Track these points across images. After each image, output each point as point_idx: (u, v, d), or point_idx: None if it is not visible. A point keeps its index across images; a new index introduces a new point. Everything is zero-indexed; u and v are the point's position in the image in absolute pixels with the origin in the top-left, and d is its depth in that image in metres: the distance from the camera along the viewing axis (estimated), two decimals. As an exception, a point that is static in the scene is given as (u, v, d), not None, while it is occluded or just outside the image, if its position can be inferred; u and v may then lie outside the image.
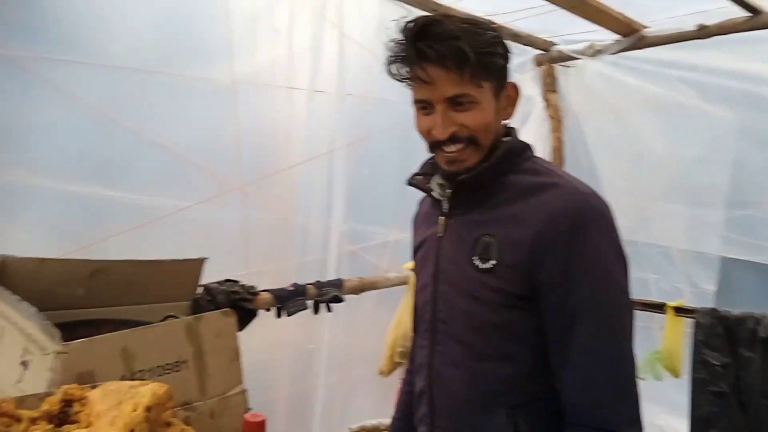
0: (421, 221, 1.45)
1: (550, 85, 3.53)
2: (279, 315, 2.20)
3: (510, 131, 1.31)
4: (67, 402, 0.92)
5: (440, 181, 1.31)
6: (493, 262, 1.18)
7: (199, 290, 1.96)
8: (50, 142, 1.95)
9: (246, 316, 2.05)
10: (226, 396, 1.27)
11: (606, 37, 2.95)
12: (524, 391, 1.19)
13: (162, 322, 1.21)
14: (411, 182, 1.36)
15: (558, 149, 3.49)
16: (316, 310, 2.30)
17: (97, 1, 2.08)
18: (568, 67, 3.49)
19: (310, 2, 2.55)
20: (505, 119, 1.27)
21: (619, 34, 2.88)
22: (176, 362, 1.19)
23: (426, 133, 1.24)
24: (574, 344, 1.13)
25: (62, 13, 2.00)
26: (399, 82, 1.24)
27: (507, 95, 1.25)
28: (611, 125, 3.23)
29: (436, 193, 1.31)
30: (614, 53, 2.99)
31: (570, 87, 3.50)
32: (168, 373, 1.17)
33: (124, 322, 1.62)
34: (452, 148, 1.20)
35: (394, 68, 1.21)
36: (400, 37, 1.18)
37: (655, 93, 2.94)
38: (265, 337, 2.26)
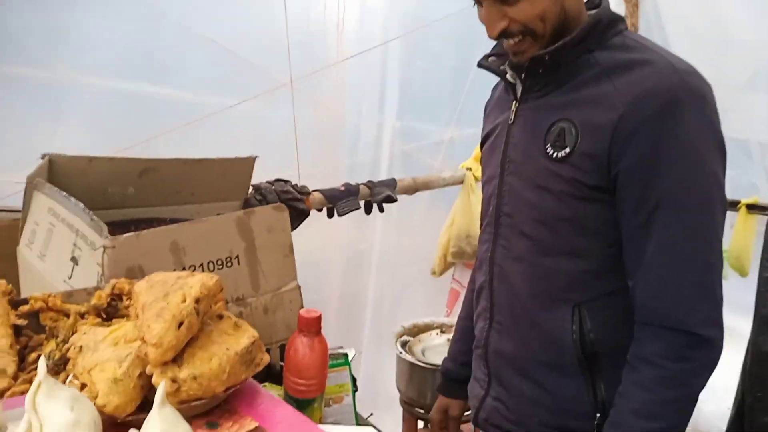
0: (492, 109, 1.35)
1: (627, -34, 3.21)
2: (330, 215, 2.17)
3: (599, 3, 1.16)
4: (117, 296, 0.92)
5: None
6: (568, 150, 1.08)
7: (250, 190, 1.94)
8: (96, 38, 1.90)
9: (297, 216, 2.03)
10: (280, 291, 1.26)
11: None
12: (592, 287, 1.12)
13: (212, 217, 1.19)
14: (482, 64, 1.25)
15: (631, 38, 3.22)
16: (368, 211, 2.26)
17: None
18: (649, -58, 3.15)
19: None
20: None
21: None
22: (228, 257, 1.17)
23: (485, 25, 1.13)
24: (653, 237, 1.03)
25: None
26: None
27: None
28: (694, 10, 2.95)
29: (509, 76, 1.20)
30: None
31: (650, -33, 3.18)
32: (220, 269, 1.15)
33: (175, 221, 1.62)
34: (510, 41, 1.11)
35: None
36: None
37: (748, -28, 2.66)
38: (316, 238, 2.25)
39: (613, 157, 1.04)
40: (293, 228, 2.05)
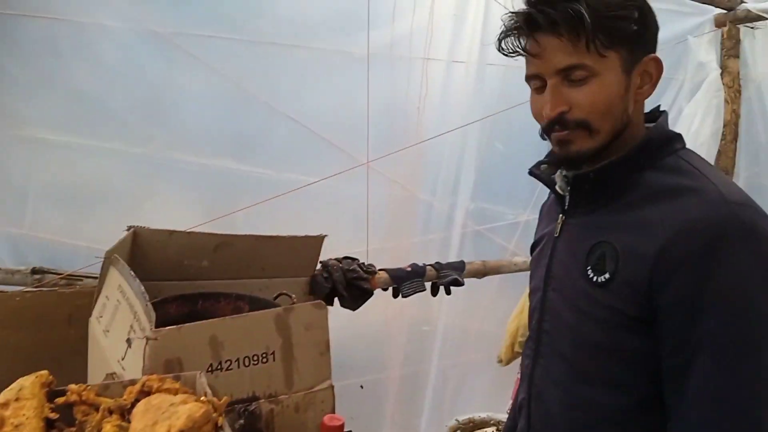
0: (545, 214, 1.33)
1: (730, 50, 3.09)
2: (396, 295, 2.19)
3: (659, 116, 1.13)
4: (146, 393, 0.97)
5: (567, 173, 1.16)
6: (608, 275, 1.04)
7: (318, 267, 2.01)
8: (189, 115, 2.07)
9: (361, 296, 2.07)
10: (313, 390, 1.27)
11: (806, -6, 2.50)
12: (632, 425, 1.05)
13: (251, 313, 1.24)
14: (533, 172, 1.22)
15: (733, 124, 3.06)
16: (434, 293, 2.26)
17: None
18: (754, 28, 3.01)
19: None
20: (639, 99, 1.09)
21: (823, -9, 2.41)
22: (264, 353, 1.21)
23: (537, 115, 1.09)
24: (692, 382, 0.96)
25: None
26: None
27: (644, 71, 1.07)
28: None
29: (559, 187, 1.18)
30: (815, 14, 2.53)
31: (755, 51, 3.05)
32: (255, 364, 1.19)
33: (240, 296, 1.70)
34: (561, 133, 1.06)
35: (505, 42, 1.09)
36: (515, 6, 1.07)
37: None
38: (380, 315, 2.27)
39: (653, 290, 0.98)
40: (356, 308, 2.11)
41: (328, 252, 2.02)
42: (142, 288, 1.29)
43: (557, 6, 1.00)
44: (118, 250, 1.56)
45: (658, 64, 1.07)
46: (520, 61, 1.14)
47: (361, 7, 2.24)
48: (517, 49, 1.08)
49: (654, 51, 1.08)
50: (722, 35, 3.06)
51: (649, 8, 1.05)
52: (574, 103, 1.03)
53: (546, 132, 1.10)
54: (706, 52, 2.99)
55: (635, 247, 1.01)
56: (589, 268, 1.07)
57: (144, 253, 1.70)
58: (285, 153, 2.23)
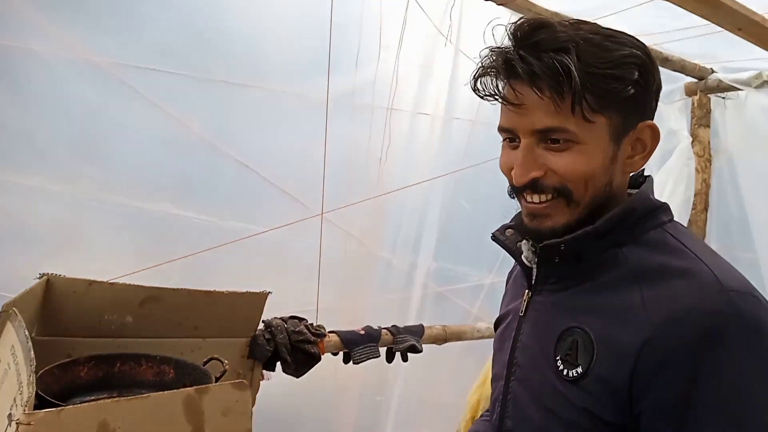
0: (511, 284, 1.16)
1: (701, 119, 3.07)
2: (346, 361, 1.98)
3: (643, 183, 0.97)
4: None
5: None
6: (580, 369, 0.86)
7: (261, 327, 1.81)
8: (124, 153, 1.88)
9: (307, 361, 1.86)
10: (229, 493, 1.04)
11: (776, 66, 2.49)
12: None
13: (153, 394, 1.02)
14: (497, 237, 1.05)
15: (703, 194, 3.01)
16: (389, 359, 2.05)
17: (192, 12, 2.00)
18: (725, 98, 3.00)
19: (425, 16, 2.33)
20: (627, 171, 0.94)
21: (794, 62, 2.39)
22: (168, 445, 0.99)
23: (506, 171, 0.93)
24: None
25: (155, 21, 1.93)
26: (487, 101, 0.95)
27: (636, 139, 0.91)
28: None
29: (525, 257, 1.00)
30: (785, 85, 2.52)
31: (726, 122, 3.03)
32: (157, 458, 0.97)
33: (166, 359, 1.50)
34: (534, 198, 0.90)
35: (481, 82, 0.92)
36: (498, 43, 0.90)
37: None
38: (329, 381, 2.06)
39: (635, 391, 0.81)
40: (300, 374, 1.89)
41: (274, 310, 1.82)
42: (32, 353, 1.06)
43: (542, 56, 0.83)
44: (22, 302, 1.34)
45: (655, 132, 0.92)
46: (488, 116, 0.98)
47: (322, 50, 2.11)
48: (494, 93, 0.91)
49: (652, 116, 0.93)
50: (693, 104, 3.04)
51: (653, 65, 0.89)
52: (551, 168, 0.88)
53: (516, 195, 0.94)
54: (676, 119, 2.97)
55: (614, 336, 0.84)
56: (558, 358, 0.90)
57: (58, 305, 1.49)
58: (231, 199, 2.05)
